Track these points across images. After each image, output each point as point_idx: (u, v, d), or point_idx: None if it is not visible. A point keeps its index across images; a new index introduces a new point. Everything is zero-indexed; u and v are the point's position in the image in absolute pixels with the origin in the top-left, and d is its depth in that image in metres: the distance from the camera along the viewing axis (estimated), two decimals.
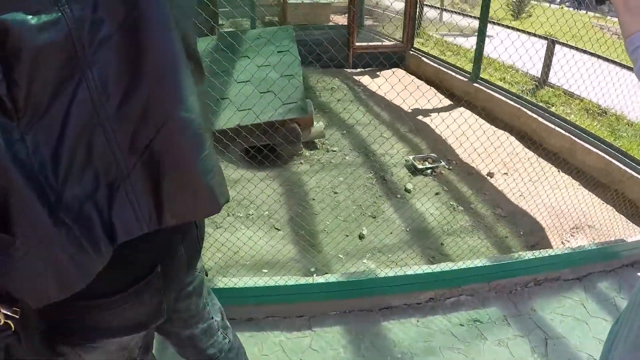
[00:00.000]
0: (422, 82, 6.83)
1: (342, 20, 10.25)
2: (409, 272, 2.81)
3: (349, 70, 7.57)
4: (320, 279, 2.75)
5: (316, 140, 4.99)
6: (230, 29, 8.46)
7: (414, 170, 4.61)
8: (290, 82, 4.52)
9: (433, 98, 5.78)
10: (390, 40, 8.10)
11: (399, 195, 4.21)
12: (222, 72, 4.38)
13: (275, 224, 3.71)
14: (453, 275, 2.86)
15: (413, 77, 7.07)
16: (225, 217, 3.73)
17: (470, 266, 2.88)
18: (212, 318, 1.55)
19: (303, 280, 2.74)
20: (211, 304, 1.56)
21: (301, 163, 4.65)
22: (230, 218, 3.73)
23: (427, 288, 2.88)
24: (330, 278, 2.77)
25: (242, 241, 3.24)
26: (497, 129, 5.18)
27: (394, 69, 7.41)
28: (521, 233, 3.78)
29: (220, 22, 8.20)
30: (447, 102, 5.97)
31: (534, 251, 3.11)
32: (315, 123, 4.82)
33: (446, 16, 11.93)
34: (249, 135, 4.24)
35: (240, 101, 4.17)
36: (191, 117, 0.92)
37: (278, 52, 4.93)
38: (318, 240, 3.60)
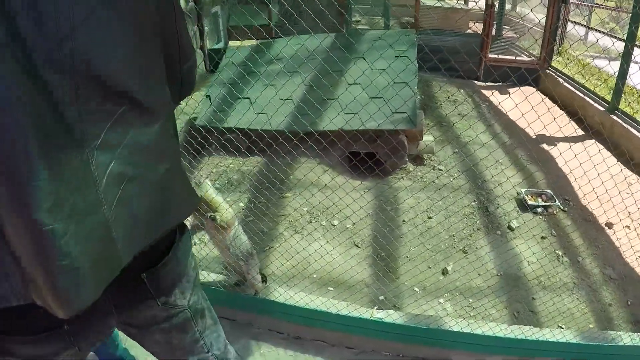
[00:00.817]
0: (554, 105, 6.21)
1: (478, 29, 9.63)
2: (478, 331, 2.57)
3: (477, 83, 7.13)
4: (380, 315, 2.62)
5: (424, 155, 4.76)
6: (364, 27, 8.36)
7: (523, 206, 4.21)
8: (402, 89, 4.34)
9: (564, 126, 5.23)
10: (527, 56, 7.50)
11: (499, 232, 3.88)
12: (335, 72, 4.32)
13: (356, 240, 3.61)
14: (530, 346, 2.57)
15: (546, 98, 6.46)
16: (307, 223, 3.70)
17: (551, 339, 2.56)
18: (208, 352, 1.52)
19: (359, 313, 2.63)
20: (211, 337, 1.52)
21: (402, 178, 4.47)
22: (311, 226, 3.70)
23: (496, 352, 2.62)
24: (391, 316, 2.62)
25: (319, 253, 3.15)
26: (629, 171, 4.58)
27: (526, 87, 6.84)
28: (629, 303, 3.30)
29: (355, 18, 8.14)
30: (579, 132, 5.39)
31: (638, 334, 2.69)
32: (425, 136, 4.59)
33: (592, 36, 10.74)
34: (352, 141, 4.15)
35: (350, 104, 4.09)
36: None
37: (395, 57, 4.74)
38: (397, 266, 3.44)
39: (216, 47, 8.67)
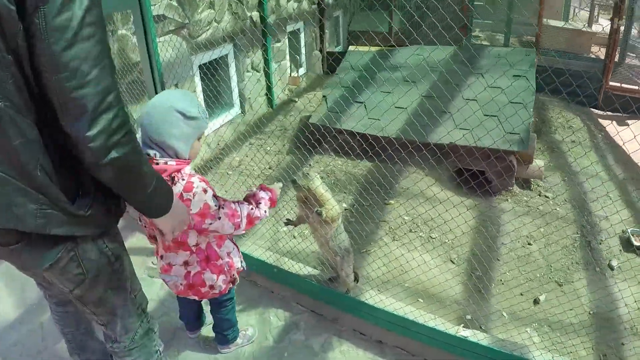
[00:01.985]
0: None
1: (602, 53, 9.08)
2: None
3: (595, 111, 6.78)
4: (465, 334, 2.66)
5: (531, 180, 4.67)
6: (481, 43, 8.23)
7: (627, 245, 4.02)
8: (518, 111, 4.29)
9: None
10: None
11: (598, 269, 3.73)
12: (453, 85, 4.36)
13: (453, 256, 3.66)
14: None
15: None
16: (407, 232, 3.79)
17: None
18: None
19: (445, 328, 2.67)
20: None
21: (506, 200, 4.42)
22: (412, 235, 3.79)
23: None
24: (477, 336, 2.66)
25: (417, 262, 3.23)
26: None
27: None
28: None
29: (474, 33, 8.03)
30: None
31: None
32: (536, 160, 4.51)
33: None
34: (457, 159, 4.18)
35: (462, 119, 4.12)
36: None
37: (514, 75, 4.69)
38: (490, 288, 3.43)
39: (335, 50, 8.95)
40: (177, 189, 1.75)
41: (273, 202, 2.18)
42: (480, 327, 3.05)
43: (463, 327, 2.71)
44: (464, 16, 7.52)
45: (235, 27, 5.68)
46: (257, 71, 6.36)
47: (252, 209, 2.02)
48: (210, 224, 1.86)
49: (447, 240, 3.78)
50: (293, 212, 3.15)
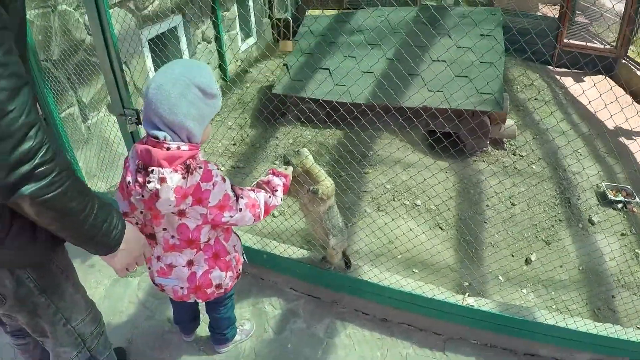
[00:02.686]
0: (627, 95, 5.90)
1: (549, 11, 9.19)
2: (570, 325, 2.49)
3: (551, 68, 6.84)
4: (471, 301, 2.57)
5: (504, 140, 4.61)
6: (433, 3, 8.14)
7: (603, 199, 4.06)
8: (489, 69, 4.19)
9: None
10: (602, 43, 7.12)
11: (580, 225, 3.76)
12: (417, 48, 4.20)
13: (440, 222, 3.55)
14: (619, 345, 2.47)
15: (621, 89, 6.14)
16: (390, 200, 3.65)
17: (633, 339, 2.46)
18: None
19: (453, 299, 2.58)
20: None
21: (482, 161, 4.35)
22: (395, 203, 3.65)
23: (584, 349, 2.54)
24: (483, 304, 2.57)
25: (402, 230, 3.09)
26: None
27: (601, 77, 6.53)
28: None
29: None
30: None
31: None
32: (507, 121, 4.45)
33: None
34: (429, 120, 4.02)
35: (432, 81, 3.98)
36: None
37: (481, 35, 4.58)
38: (481, 252, 3.37)
39: (284, 16, 8.63)
40: (195, 178, 1.47)
41: (286, 188, 1.96)
42: (478, 293, 2.98)
43: (468, 295, 2.62)
44: None
45: None
46: (208, 42, 5.99)
47: (269, 197, 1.80)
48: (231, 216, 1.60)
49: (432, 207, 3.67)
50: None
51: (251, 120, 5.18)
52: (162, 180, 1.42)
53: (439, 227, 3.51)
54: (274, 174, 1.95)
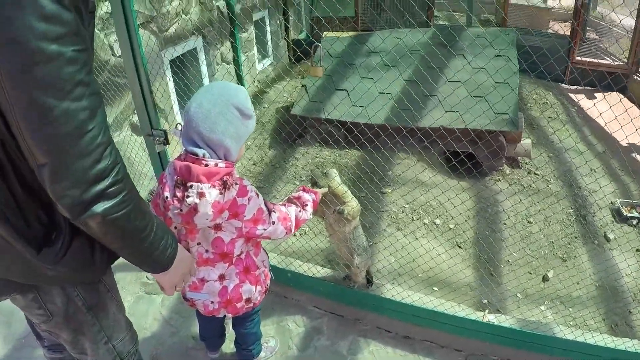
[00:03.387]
0: None
1: (560, 28, 9.28)
2: (589, 339, 2.53)
3: (565, 86, 6.90)
4: (491, 318, 2.62)
5: (520, 159, 4.68)
6: (445, 23, 8.23)
7: (619, 216, 4.11)
8: (505, 90, 4.28)
9: None
10: (614, 60, 7.17)
11: (596, 242, 3.80)
12: (433, 68, 4.30)
13: (459, 241, 3.62)
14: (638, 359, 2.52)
15: (634, 105, 6.18)
16: (411, 221, 3.73)
17: None
18: None
19: (474, 315, 2.64)
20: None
21: (499, 180, 4.42)
22: (415, 223, 3.72)
23: None
24: (503, 320, 2.62)
25: (424, 249, 3.18)
26: None
27: (613, 93, 6.57)
28: None
29: (435, 13, 8.02)
30: None
31: None
32: (523, 140, 4.52)
33: None
34: (452, 141, 4.13)
35: (450, 102, 4.07)
36: None
37: (497, 56, 4.67)
38: (499, 270, 3.42)
39: (299, 37, 8.78)
40: (231, 194, 1.57)
41: (316, 204, 2.06)
42: (497, 310, 3.03)
43: (488, 312, 2.67)
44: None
45: (203, 18, 5.45)
46: (227, 64, 6.14)
47: (299, 211, 1.90)
48: (264, 229, 1.70)
49: (451, 226, 3.73)
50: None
51: (270, 141, 5.29)
52: (200, 195, 1.50)
53: (458, 245, 3.57)
54: (304, 190, 2.04)
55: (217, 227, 1.68)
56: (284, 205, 1.86)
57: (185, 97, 5.18)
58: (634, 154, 5.16)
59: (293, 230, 1.83)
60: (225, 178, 1.55)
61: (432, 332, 2.70)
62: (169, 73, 4.90)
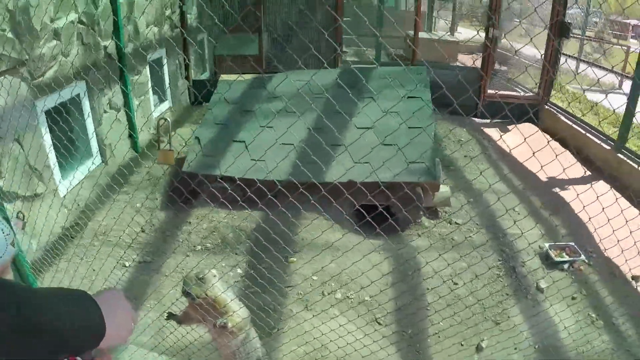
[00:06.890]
0: (556, 143, 5.84)
1: (468, 60, 9.38)
2: None
3: (477, 120, 6.82)
4: None
5: (438, 209, 4.30)
6: (354, 59, 8.00)
7: (548, 261, 3.83)
8: (419, 136, 3.91)
9: (570, 166, 4.87)
10: (524, 91, 7.20)
11: (529, 296, 3.52)
12: (340, 114, 3.87)
13: (377, 316, 3.12)
14: None
15: (547, 135, 6.08)
16: (321, 297, 3.20)
17: None
18: None
19: None
20: None
21: (418, 235, 4.01)
22: (326, 299, 3.20)
23: None
24: None
25: (337, 333, 2.60)
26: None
27: (526, 124, 6.51)
28: None
29: (344, 49, 7.79)
30: (586, 171, 5.11)
31: None
32: (441, 187, 4.14)
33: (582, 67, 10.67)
34: (363, 195, 3.64)
35: (358, 151, 3.63)
36: None
37: (408, 97, 4.32)
38: (426, 345, 2.99)
39: (201, 78, 8.23)
40: None
41: None
42: None
43: None
44: (336, 36, 7.15)
45: (87, 61, 4.76)
46: (117, 110, 5.45)
47: None
48: None
49: (367, 298, 3.24)
50: (177, 307, 2.39)
51: (161, 200, 4.62)
52: None
53: (377, 321, 3.09)
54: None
55: None
56: None
57: (66, 152, 4.43)
58: (554, 188, 4.96)
59: None
60: None
61: None
62: (44, 126, 4.16)
